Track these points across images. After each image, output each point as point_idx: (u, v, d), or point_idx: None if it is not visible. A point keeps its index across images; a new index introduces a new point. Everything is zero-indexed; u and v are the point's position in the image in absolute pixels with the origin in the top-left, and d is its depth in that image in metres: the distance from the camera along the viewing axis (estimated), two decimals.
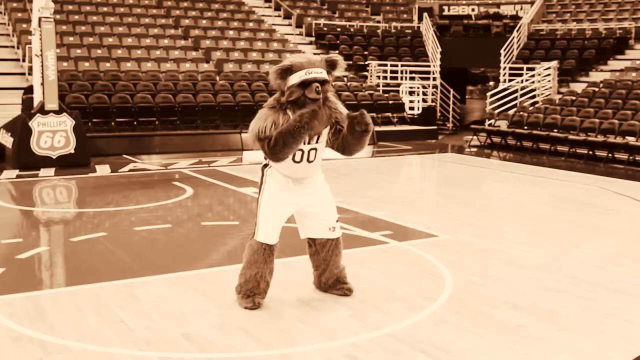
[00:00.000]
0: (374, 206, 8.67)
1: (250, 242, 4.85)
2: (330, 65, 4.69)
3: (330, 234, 4.98)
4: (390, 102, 18.16)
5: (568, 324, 4.64)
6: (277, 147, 4.50)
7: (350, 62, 20.81)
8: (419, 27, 23.06)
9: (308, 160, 4.73)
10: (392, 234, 7.17)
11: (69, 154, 11.97)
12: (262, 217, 4.82)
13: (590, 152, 13.94)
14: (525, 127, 15.69)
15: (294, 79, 4.55)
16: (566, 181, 11.19)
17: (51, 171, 11.39)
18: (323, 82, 4.60)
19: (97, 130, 14.08)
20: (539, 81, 18.76)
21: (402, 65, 20.41)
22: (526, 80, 18.91)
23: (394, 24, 23.62)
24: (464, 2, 24.84)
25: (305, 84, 4.54)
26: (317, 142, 4.73)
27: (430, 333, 4.43)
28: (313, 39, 21.86)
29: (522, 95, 18.64)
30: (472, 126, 17.46)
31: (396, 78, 20.19)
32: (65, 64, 15.44)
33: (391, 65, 20.34)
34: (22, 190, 10.01)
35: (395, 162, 13.81)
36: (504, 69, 19.93)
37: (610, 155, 13.68)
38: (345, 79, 18.80)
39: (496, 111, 17.90)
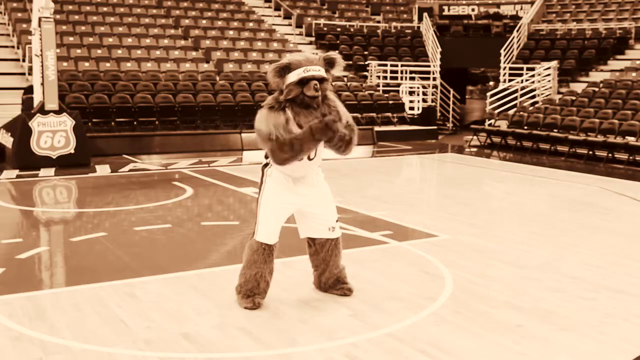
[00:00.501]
0: (374, 206, 8.67)
1: (250, 242, 4.85)
2: (329, 64, 4.70)
3: (330, 234, 4.98)
4: (390, 102, 18.16)
5: (568, 324, 4.64)
6: (290, 152, 4.48)
7: (350, 62, 20.82)
8: (419, 27, 23.07)
9: (309, 158, 4.73)
10: (392, 234, 7.16)
11: (69, 154, 11.97)
12: (261, 217, 4.82)
13: (590, 152, 13.94)
14: (525, 127, 15.69)
15: (292, 76, 4.55)
16: (566, 181, 11.19)
17: (51, 171, 11.39)
18: (321, 80, 4.60)
19: (97, 130, 14.09)
20: (539, 81, 18.76)
21: (402, 65, 20.41)
22: (526, 80, 18.92)
23: (394, 24, 23.62)
24: (464, 2, 24.85)
25: (303, 82, 4.54)
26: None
27: (430, 333, 4.43)
28: (313, 39, 21.86)
29: (522, 95, 18.65)
30: (472, 126, 17.46)
31: (396, 78, 20.20)
32: (65, 64, 15.44)
33: (391, 65, 20.34)
34: (22, 190, 10.00)
35: (395, 162, 13.81)
36: (504, 69, 19.93)
37: (610, 155, 13.68)
38: (345, 79, 18.80)
39: (496, 111, 17.90)
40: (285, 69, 4.57)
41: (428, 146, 16.61)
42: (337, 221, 5.03)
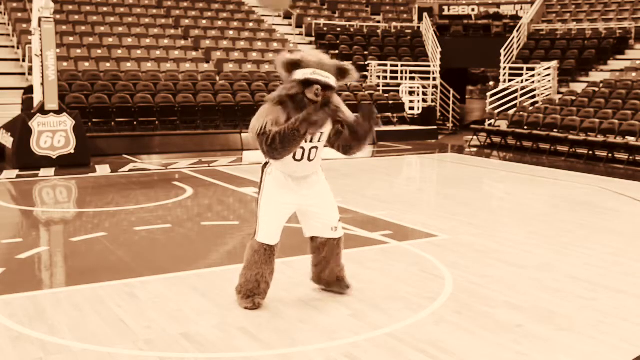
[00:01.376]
0: (374, 206, 8.67)
1: (251, 243, 4.85)
2: (341, 73, 4.63)
3: (333, 233, 4.98)
4: (390, 102, 18.16)
5: (568, 324, 4.64)
6: (274, 145, 4.48)
7: (350, 62, 20.74)
8: (419, 27, 23.06)
9: (309, 159, 4.72)
10: (392, 234, 7.16)
11: (69, 154, 11.98)
12: (262, 217, 4.81)
13: (590, 152, 13.94)
14: (525, 127, 15.70)
15: (299, 74, 4.52)
16: (566, 181, 11.19)
17: (51, 171, 11.40)
18: (326, 87, 4.54)
19: (97, 130, 14.09)
20: (539, 81, 18.76)
21: (402, 65, 20.41)
22: (526, 80, 18.92)
23: (394, 24, 23.62)
24: (464, 2, 24.84)
25: (307, 83, 4.52)
26: (319, 140, 4.72)
27: (430, 333, 4.43)
28: (313, 39, 21.86)
29: (522, 95, 18.65)
30: (472, 126, 17.46)
31: (396, 78, 20.19)
32: (65, 64, 15.44)
33: (391, 65, 20.34)
34: (22, 190, 10.01)
35: (395, 162, 13.80)
36: (504, 69, 19.93)
37: (610, 155, 13.68)
38: None
39: (496, 111, 17.90)
40: (295, 65, 4.53)
41: (428, 146, 16.60)
42: (339, 221, 5.02)
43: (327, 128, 4.73)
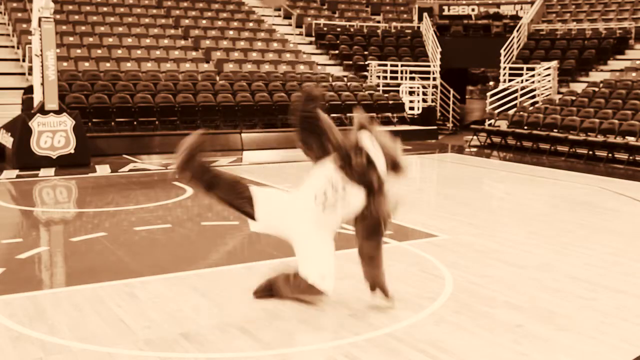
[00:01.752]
0: None
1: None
2: (393, 164, 4.62)
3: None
4: (390, 102, 18.15)
5: (568, 324, 4.64)
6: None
7: (350, 62, 20.81)
8: (419, 27, 23.06)
9: (323, 205, 4.54)
10: (392, 234, 7.15)
11: (69, 154, 11.98)
12: (265, 194, 4.72)
13: (590, 152, 13.94)
14: (525, 127, 15.70)
15: (363, 136, 4.52)
16: (566, 181, 11.19)
17: (51, 171, 11.39)
18: (370, 162, 4.49)
19: (97, 130, 14.08)
20: (539, 81, 18.76)
21: (402, 65, 20.40)
22: (526, 80, 18.92)
23: (394, 24, 23.62)
24: (464, 2, 24.84)
25: (358, 149, 4.48)
26: (337, 201, 4.56)
27: (430, 333, 4.43)
28: (313, 39, 21.86)
29: (522, 95, 18.65)
30: (472, 126, 17.46)
31: (396, 78, 20.19)
32: (65, 64, 15.44)
33: (391, 65, 20.34)
34: (22, 190, 10.00)
35: None
36: (504, 69, 19.93)
37: (610, 155, 13.68)
38: (345, 79, 18.79)
39: (496, 111, 17.90)
40: (364, 127, 4.57)
41: (428, 146, 16.60)
42: (316, 279, 4.62)
43: (354, 199, 4.58)
